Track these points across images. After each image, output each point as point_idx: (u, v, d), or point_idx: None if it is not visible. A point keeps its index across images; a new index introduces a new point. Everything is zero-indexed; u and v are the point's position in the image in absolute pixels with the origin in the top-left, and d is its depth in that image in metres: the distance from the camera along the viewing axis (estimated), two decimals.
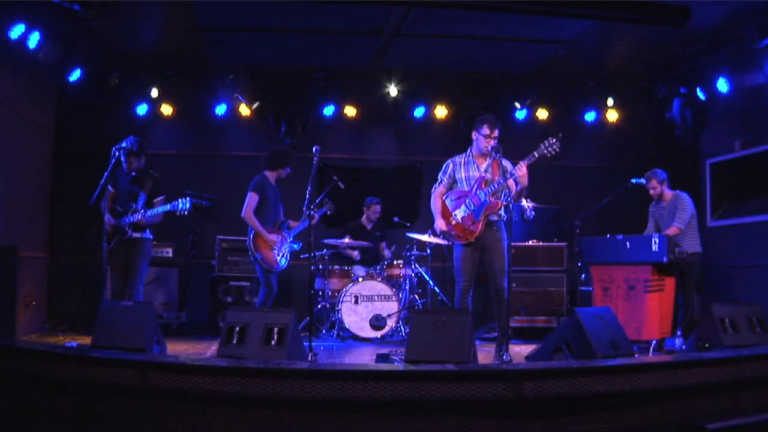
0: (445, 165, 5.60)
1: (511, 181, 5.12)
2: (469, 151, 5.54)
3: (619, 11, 6.01)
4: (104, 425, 3.87)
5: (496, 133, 5.37)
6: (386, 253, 8.00)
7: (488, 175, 5.37)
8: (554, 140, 5.19)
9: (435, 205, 5.55)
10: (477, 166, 5.45)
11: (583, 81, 8.53)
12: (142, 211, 5.75)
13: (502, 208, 5.30)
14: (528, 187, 5.30)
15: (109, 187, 5.80)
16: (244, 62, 8.13)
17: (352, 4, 6.32)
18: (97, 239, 5.62)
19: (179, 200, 5.70)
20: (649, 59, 7.81)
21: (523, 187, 5.18)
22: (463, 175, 5.47)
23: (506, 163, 5.37)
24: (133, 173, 5.88)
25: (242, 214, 6.20)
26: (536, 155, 5.20)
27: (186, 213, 5.72)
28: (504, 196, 5.26)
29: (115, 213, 5.82)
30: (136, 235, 5.79)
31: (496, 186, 5.28)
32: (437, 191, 5.58)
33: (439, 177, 5.60)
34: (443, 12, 6.46)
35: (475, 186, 5.38)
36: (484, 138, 5.38)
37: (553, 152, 5.20)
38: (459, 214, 5.40)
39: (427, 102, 8.62)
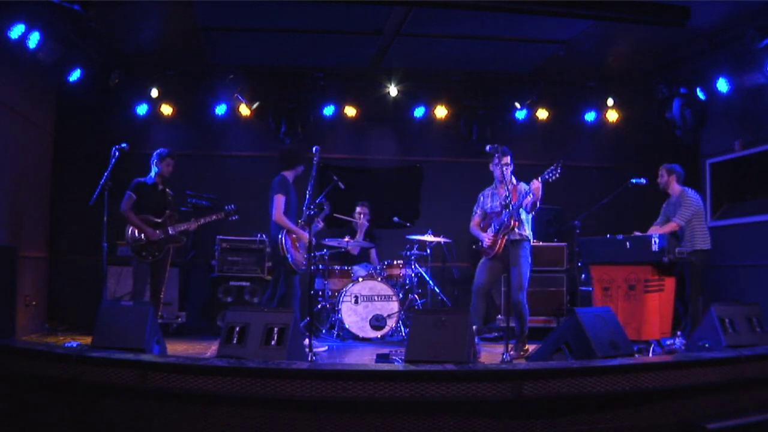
0: (477, 199, 6.30)
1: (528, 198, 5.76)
2: (494, 183, 6.19)
3: (619, 11, 6.01)
4: (104, 425, 3.87)
5: (506, 159, 5.92)
6: (375, 260, 8.04)
7: (509, 200, 5.80)
8: (556, 166, 5.66)
9: (475, 233, 6.24)
10: (499, 196, 6.02)
11: (583, 81, 8.53)
12: (196, 219, 6.43)
13: (519, 224, 5.85)
14: (540, 199, 5.77)
15: (134, 195, 6.21)
16: (244, 62, 8.13)
17: (352, 4, 6.32)
18: (156, 251, 6.24)
19: (225, 207, 6.60)
20: (649, 59, 7.81)
21: (537, 199, 5.71)
22: (489, 205, 6.16)
23: (523, 186, 5.95)
24: (159, 187, 6.37)
25: (273, 217, 6.14)
26: (546, 177, 5.67)
27: (237, 218, 6.61)
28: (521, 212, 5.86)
29: (154, 223, 6.25)
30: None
31: (513, 207, 5.78)
32: (473, 222, 6.27)
33: (473, 210, 6.30)
34: (443, 12, 6.46)
35: (500, 211, 6.00)
36: (497, 167, 5.96)
37: (555, 177, 5.66)
38: (489, 233, 6.06)
39: (427, 102, 8.62)
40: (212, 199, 8.14)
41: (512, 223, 5.79)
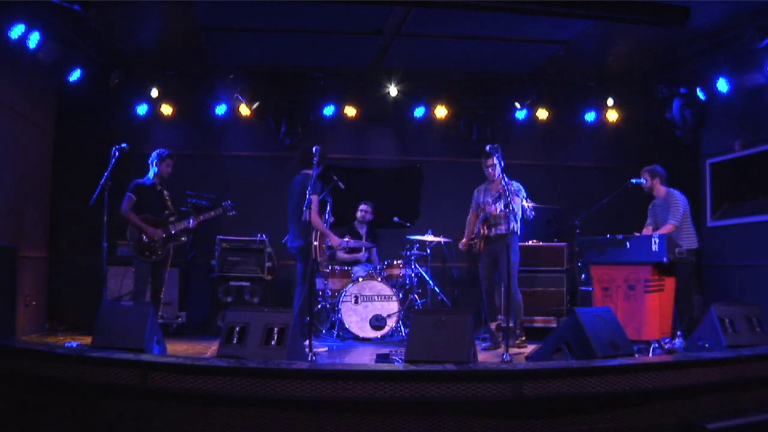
0: (473, 195, 6.67)
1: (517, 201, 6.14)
2: (488, 180, 6.54)
3: (619, 11, 6.01)
4: (104, 425, 3.88)
5: (488, 161, 6.29)
6: (375, 260, 8.04)
7: (491, 205, 6.26)
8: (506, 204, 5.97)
9: (466, 227, 6.64)
10: (490, 193, 6.41)
11: (583, 81, 8.53)
12: (196, 217, 6.49)
13: (507, 225, 6.09)
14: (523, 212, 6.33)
15: (134, 196, 6.24)
16: (244, 62, 8.13)
17: (352, 4, 6.31)
18: (157, 250, 6.28)
19: (223, 204, 6.64)
20: (649, 59, 7.81)
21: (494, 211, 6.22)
22: (480, 200, 6.52)
23: (513, 186, 6.11)
24: (158, 188, 6.41)
25: (305, 217, 5.79)
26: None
27: (234, 213, 6.66)
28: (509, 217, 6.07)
29: (154, 222, 6.30)
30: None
31: (484, 216, 6.33)
32: (469, 217, 6.63)
33: (471, 205, 6.67)
34: (443, 12, 6.46)
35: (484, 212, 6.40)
36: (485, 168, 6.40)
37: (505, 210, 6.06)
38: (475, 230, 6.51)
39: (427, 102, 8.62)
40: (212, 199, 8.14)
41: (483, 230, 6.36)
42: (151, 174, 6.43)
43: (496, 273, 6.48)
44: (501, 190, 5.93)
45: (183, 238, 6.53)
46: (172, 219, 6.42)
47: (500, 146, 5.99)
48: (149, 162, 6.44)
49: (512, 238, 6.14)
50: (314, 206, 5.95)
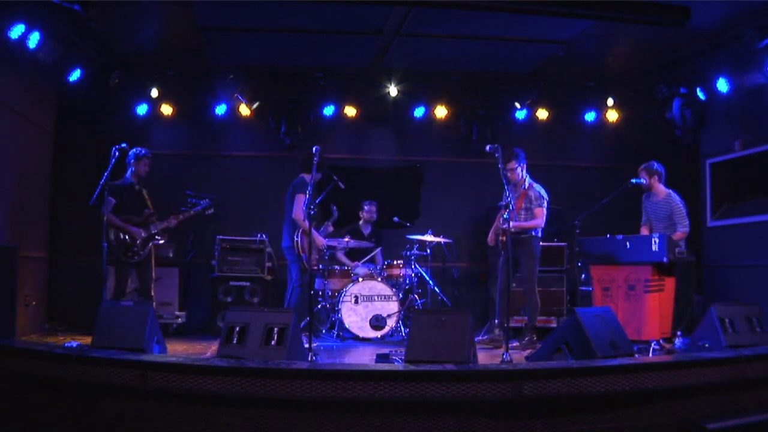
0: None
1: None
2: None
3: (619, 11, 6.01)
4: (104, 425, 3.88)
5: (508, 165, 6.35)
6: (379, 260, 8.03)
7: (509, 201, 6.19)
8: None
9: (495, 222, 6.68)
10: (514, 195, 6.48)
11: (583, 81, 8.53)
12: (176, 216, 6.54)
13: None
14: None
15: (113, 199, 6.16)
16: (244, 62, 8.12)
17: (352, 4, 6.32)
18: (129, 252, 6.30)
19: (202, 201, 6.77)
20: (649, 59, 7.81)
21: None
22: (509, 198, 6.43)
23: (533, 193, 6.41)
24: (136, 187, 6.44)
25: (293, 215, 6.36)
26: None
27: (213, 212, 6.79)
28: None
29: (136, 223, 6.36)
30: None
31: (501, 223, 6.25)
32: (499, 213, 6.50)
33: None
34: (443, 12, 6.46)
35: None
36: (506, 172, 6.35)
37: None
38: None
39: (427, 102, 8.62)
40: (211, 199, 8.13)
41: (501, 236, 6.35)
42: (128, 174, 6.47)
43: (518, 272, 6.61)
44: (523, 194, 6.26)
45: (162, 238, 6.56)
46: (153, 218, 6.47)
47: (500, 146, 5.98)
48: (126, 162, 6.46)
49: (529, 242, 6.42)
50: (300, 204, 6.27)
